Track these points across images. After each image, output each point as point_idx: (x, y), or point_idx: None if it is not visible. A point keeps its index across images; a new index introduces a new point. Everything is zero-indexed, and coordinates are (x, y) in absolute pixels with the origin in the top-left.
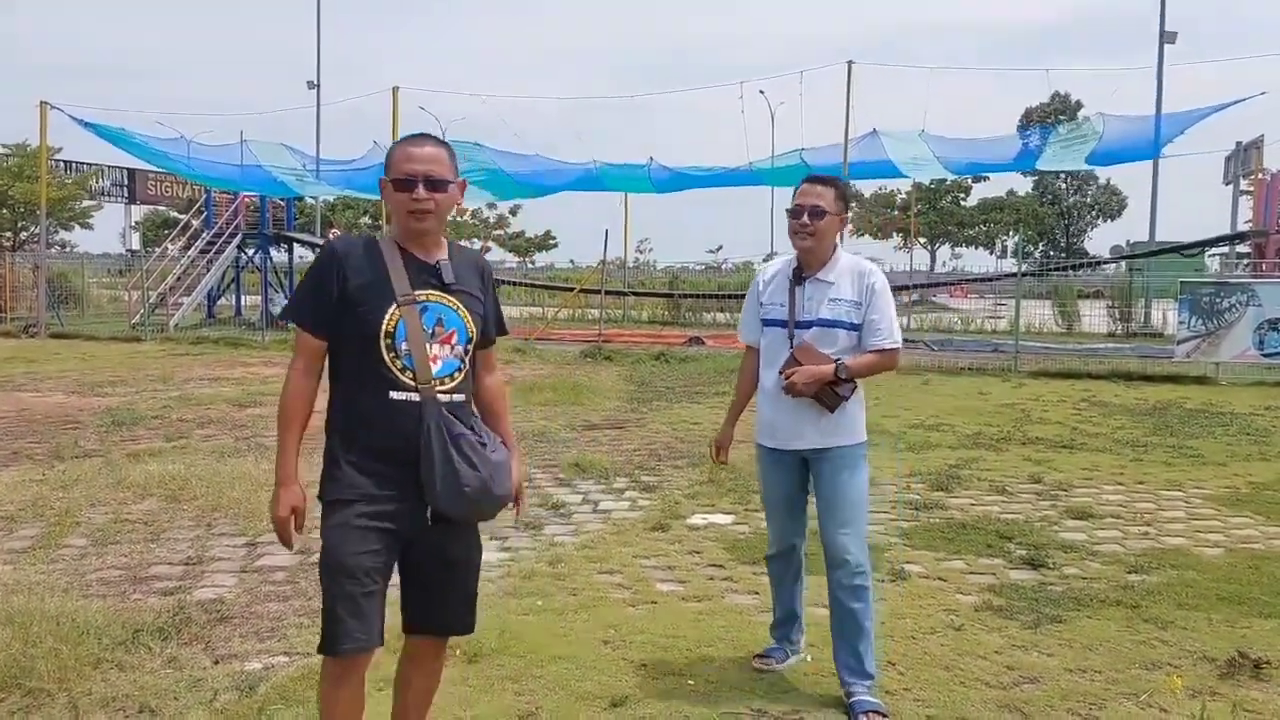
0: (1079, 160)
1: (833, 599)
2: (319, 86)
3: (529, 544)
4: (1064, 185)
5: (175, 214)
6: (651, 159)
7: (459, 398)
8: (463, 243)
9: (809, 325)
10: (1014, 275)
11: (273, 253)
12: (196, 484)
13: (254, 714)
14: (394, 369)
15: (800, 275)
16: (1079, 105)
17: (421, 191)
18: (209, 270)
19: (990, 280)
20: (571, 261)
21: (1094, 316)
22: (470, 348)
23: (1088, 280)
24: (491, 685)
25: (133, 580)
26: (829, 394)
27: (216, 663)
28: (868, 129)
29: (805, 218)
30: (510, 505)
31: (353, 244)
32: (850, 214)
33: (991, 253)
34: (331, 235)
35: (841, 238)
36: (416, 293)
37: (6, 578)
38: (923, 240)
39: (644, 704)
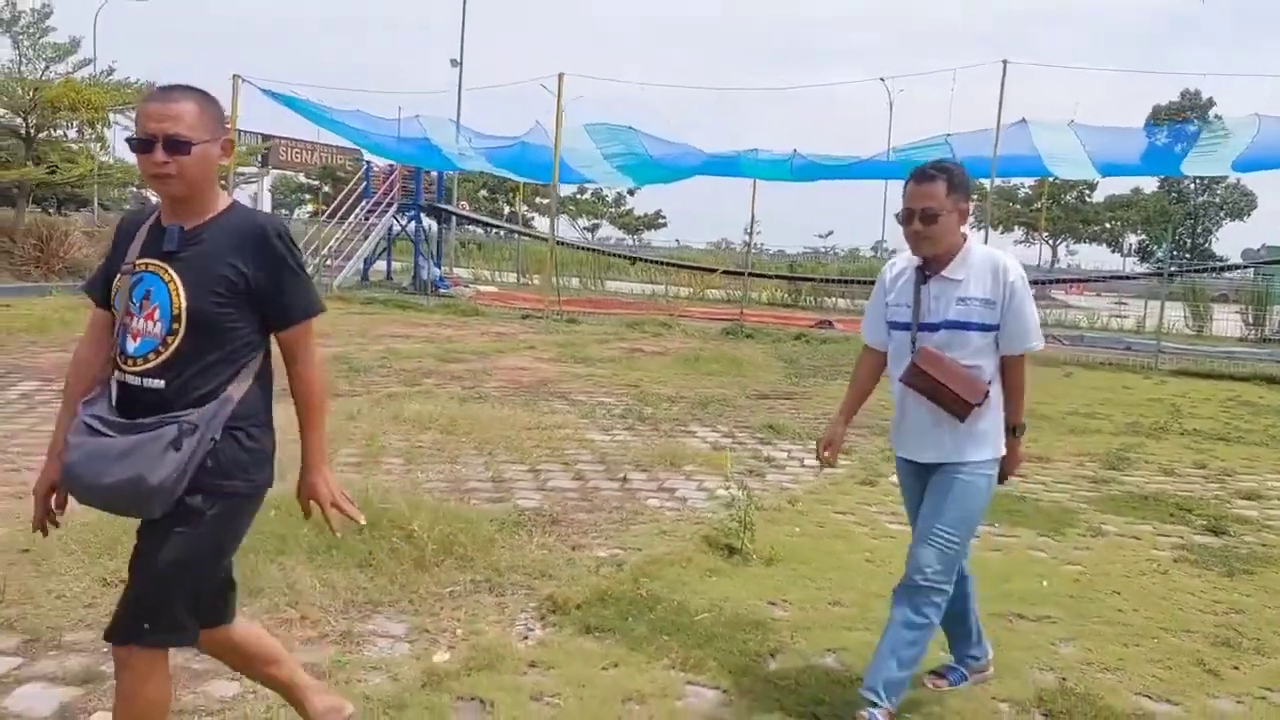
0: (1225, 165)
1: (892, 607)
2: (461, 65)
3: (760, 486)
4: (1192, 184)
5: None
6: (795, 150)
7: (155, 383)
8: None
9: (935, 328)
10: (1159, 275)
11: (426, 222)
12: (461, 422)
13: (631, 582)
14: (114, 344)
15: (924, 274)
16: (1210, 103)
17: (159, 154)
18: (367, 236)
19: (1131, 279)
20: (677, 240)
21: (1225, 320)
22: (180, 327)
23: (1211, 284)
24: (794, 581)
25: (458, 491)
26: (955, 400)
27: (574, 549)
28: (1016, 118)
29: (916, 223)
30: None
31: (134, 214)
32: (971, 203)
33: (1115, 251)
34: (461, 206)
35: (985, 227)
36: (138, 261)
37: (369, 484)
38: (1045, 235)
39: None
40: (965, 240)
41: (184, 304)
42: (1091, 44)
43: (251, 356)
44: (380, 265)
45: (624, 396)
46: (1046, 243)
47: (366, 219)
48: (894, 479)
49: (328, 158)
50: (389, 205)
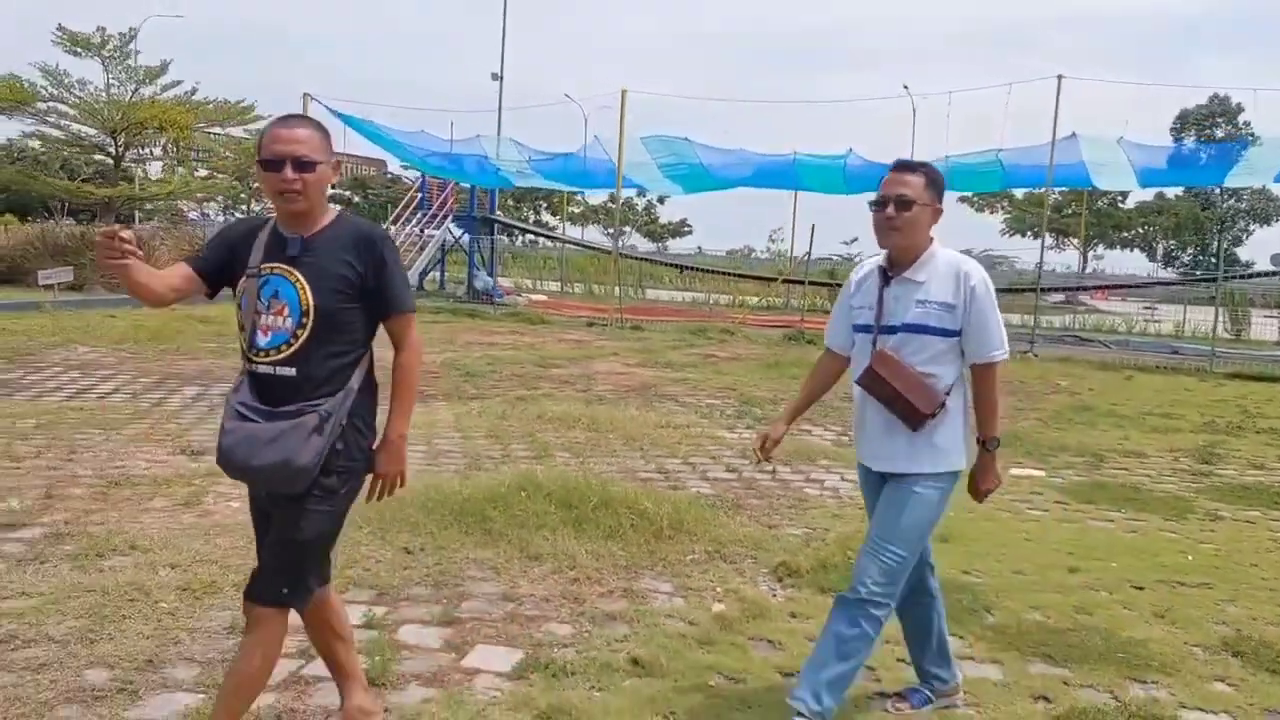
0: (1268, 177)
1: (830, 616)
2: (502, 79)
3: None
4: (1219, 190)
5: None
6: (850, 149)
7: (287, 371)
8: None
9: (894, 330)
10: (1212, 280)
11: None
12: (602, 421)
13: (840, 553)
14: (242, 339)
15: (887, 275)
16: (1239, 108)
17: (289, 173)
18: (424, 248)
19: (1182, 284)
20: (699, 248)
21: (1262, 324)
22: (309, 321)
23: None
24: (974, 556)
25: (636, 480)
26: (909, 409)
27: (770, 528)
28: (1067, 132)
29: (890, 209)
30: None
31: (244, 223)
32: (942, 209)
33: (1151, 259)
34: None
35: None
36: (263, 265)
37: (585, 470)
38: (1075, 241)
39: (1091, 571)
40: (932, 243)
41: (311, 301)
42: (1105, 47)
43: (363, 352)
44: (433, 275)
45: (727, 399)
46: (1076, 248)
47: (422, 232)
48: (1012, 472)
49: (353, 168)
50: (444, 217)
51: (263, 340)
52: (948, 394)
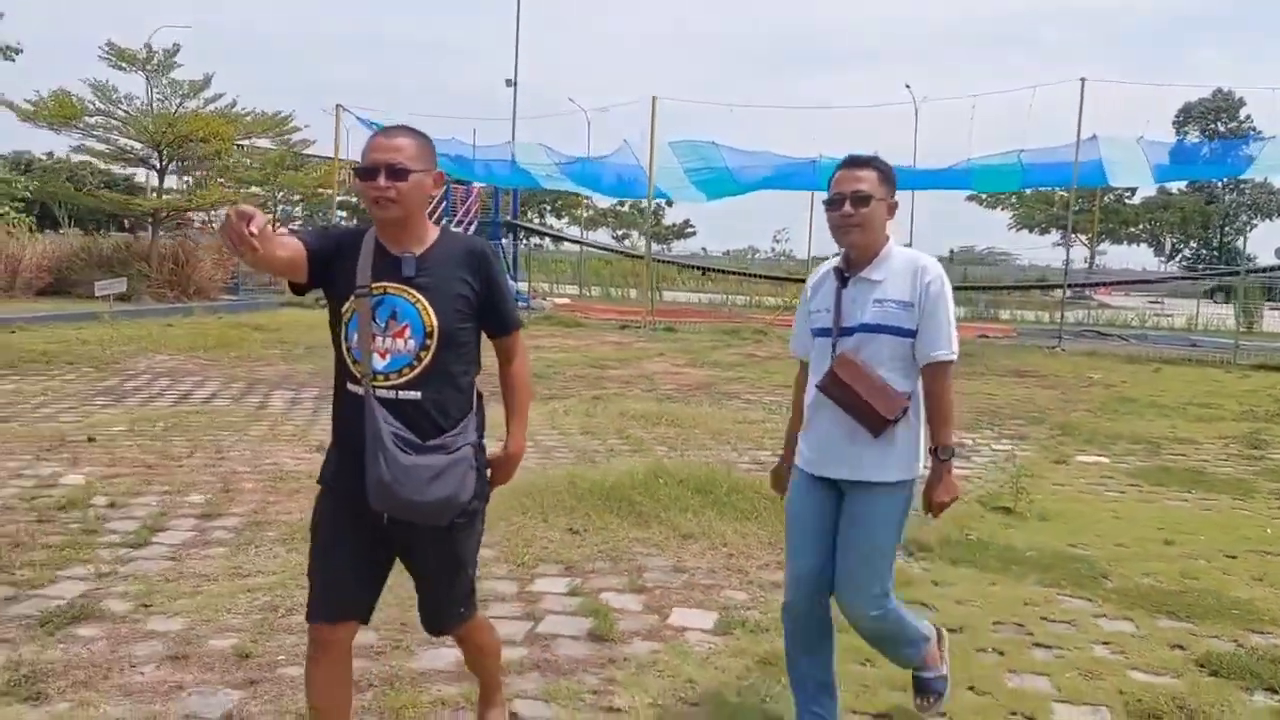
0: None
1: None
2: (516, 85)
3: (983, 461)
4: (1221, 184)
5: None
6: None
7: (412, 394)
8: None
9: (851, 332)
10: (1235, 273)
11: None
12: (682, 418)
13: (957, 530)
14: (348, 361)
15: (844, 275)
16: (1241, 102)
17: (382, 180)
18: None
19: (1207, 278)
20: (703, 249)
21: (1270, 317)
22: (432, 343)
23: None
24: (1074, 531)
25: (739, 471)
26: (871, 414)
27: None
28: (1088, 134)
29: (847, 206)
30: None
31: (347, 230)
32: (896, 203)
33: (1158, 254)
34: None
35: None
36: (374, 285)
37: (711, 459)
38: (1083, 238)
39: (1184, 543)
40: (888, 241)
41: (434, 322)
42: (1098, 41)
43: (476, 370)
44: None
45: (788, 396)
46: (1083, 244)
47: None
48: (1080, 459)
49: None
50: (471, 223)
51: (381, 363)
52: (908, 398)
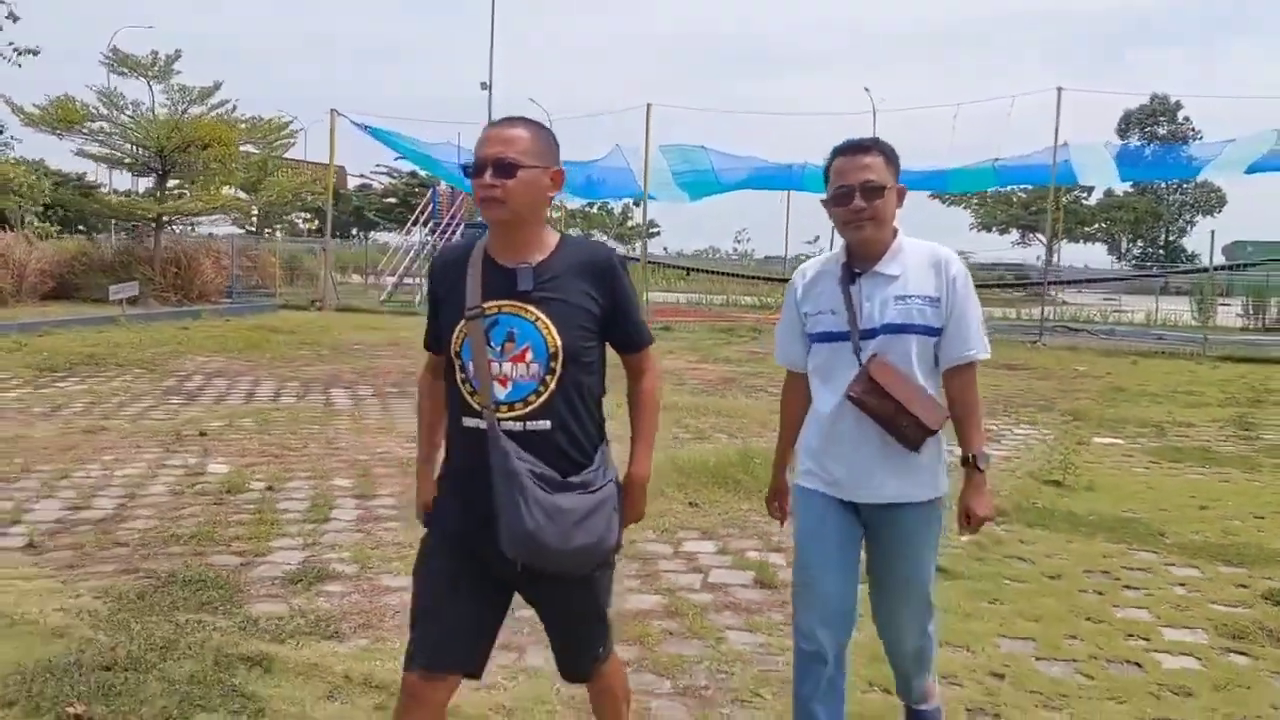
0: (1239, 170)
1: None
2: (490, 88)
3: (1013, 444)
4: (1164, 184)
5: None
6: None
7: (540, 424)
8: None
9: (871, 334)
10: (1204, 270)
11: None
12: (726, 409)
13: (1023, 498)
14: (464, 392)
15: (853, 271)
16: (1178, 105)
17: (489, 177)
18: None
19: (1182, 275)
20: (665, 249)
21: (1225, 312)
22: (558, 365)
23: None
24: (1121, 499)
25: None
26: (915, 426)
27: None
28: (1048, 136)
29: (858, 200)
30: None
31: (451, 250)
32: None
33: (1112, 252)
34: None
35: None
36: (487, 304)
37: (763, 446)
38: (1040, 237)
39: (1215, 508)
40: (896, 234)
41: (558, 341)
42: (1045, 45)
43: (603, 392)
44: None
45: None
46: (1042, 243)
47: (434, 239)
48: (1097, 440)
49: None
50: (456, 226)
51: (503, 393)
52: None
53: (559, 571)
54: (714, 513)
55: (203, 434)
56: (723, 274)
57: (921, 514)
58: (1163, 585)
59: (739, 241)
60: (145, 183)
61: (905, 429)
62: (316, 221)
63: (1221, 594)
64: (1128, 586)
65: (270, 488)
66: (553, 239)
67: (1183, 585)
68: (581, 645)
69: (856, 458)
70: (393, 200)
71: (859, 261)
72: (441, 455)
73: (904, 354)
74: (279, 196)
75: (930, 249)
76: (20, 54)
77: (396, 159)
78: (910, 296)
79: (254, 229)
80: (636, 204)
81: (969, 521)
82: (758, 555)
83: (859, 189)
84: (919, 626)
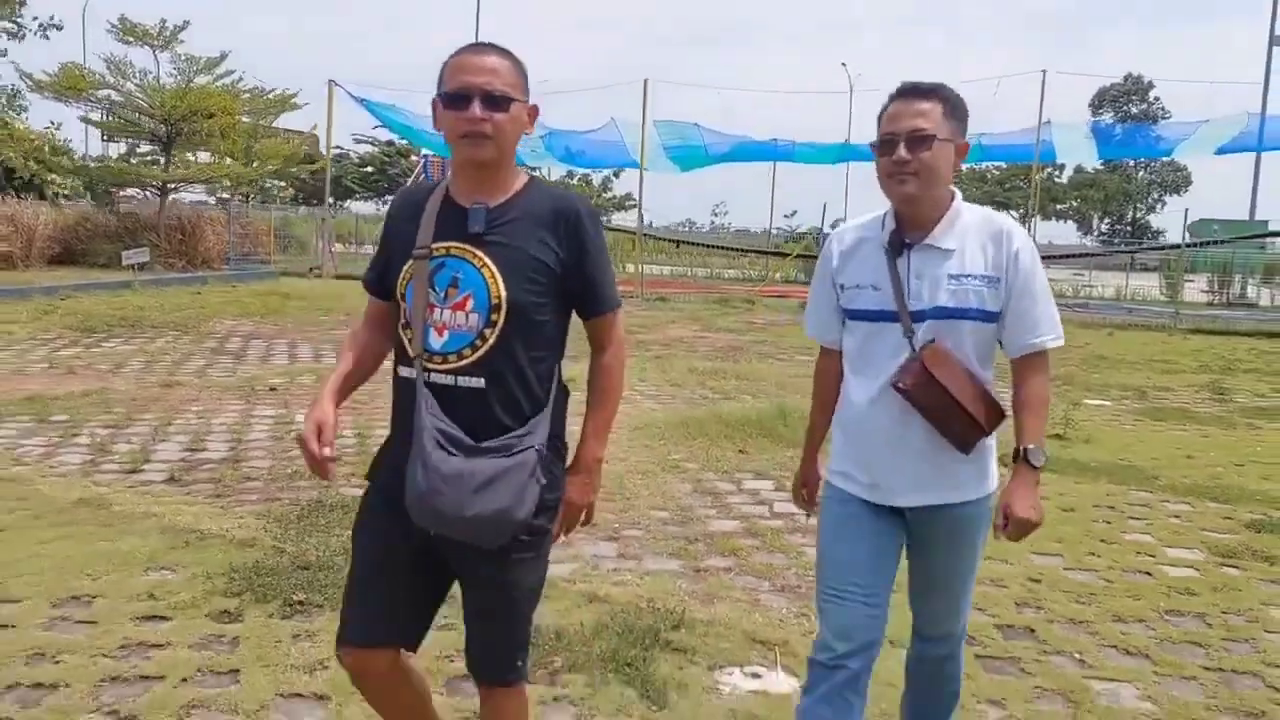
0: (1209, 149)
1: (914, 671)
2: None
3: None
4: (1133, 162)
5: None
6: (847, 140)
7: (473, 381)
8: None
9: (921, 317)
10: (1176, 247)
11: None
12: (745, 372)
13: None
14: (404, 338)
15: (902, 240)
16: (1150, 85)
17: (477, 109)
18: None
19: (1158, 251)
20: (650, 222)
21: (1190, 288)
22: (499, 319)
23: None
24: (1122, 450)
25: None
26: (970, 426)
27: None
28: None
29: (901, 150)
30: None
31: (409, 192)
32: (967, 144)
33: (1081, 229)
34: None
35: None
36: (436, 245)
37: (796, 402)
38: (1015, 214)
39: (1200, 458)
40: (955, 197)
41: (503, 292)
42: (1009, 22)
43: (558, 356)
44: None
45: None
46: (1016, 220)
47: None
48: (1088, 401)
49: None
50: None
51: (437, 341)
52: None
53: (462, 539)
54: (762, 458)
55: (272, 389)
56: (726, 248)
57: (969, 512)
58: (1160, 517)
59: (716, 215)
60: (140, 152)
61: (958, 430)
62: (291, 190)
63: (1211, 524)
64: (1131, 518)
65: (360, 435)
66: (518, 181)
67: (1177, 517)
68: (494, 641)
69: (897, 458)
70: (369, 169)
71: (909, 230)
72: (331, 412)
73: (958, 342)
74: (284, 166)
75: (989, 217)
76: (45, 28)
77: (375, 127)
78: (967, 276)
79: (228, 197)
80: (617, 175)
81: (1007, 523)
82: None
83: (904, 137)
84: (952, 639)
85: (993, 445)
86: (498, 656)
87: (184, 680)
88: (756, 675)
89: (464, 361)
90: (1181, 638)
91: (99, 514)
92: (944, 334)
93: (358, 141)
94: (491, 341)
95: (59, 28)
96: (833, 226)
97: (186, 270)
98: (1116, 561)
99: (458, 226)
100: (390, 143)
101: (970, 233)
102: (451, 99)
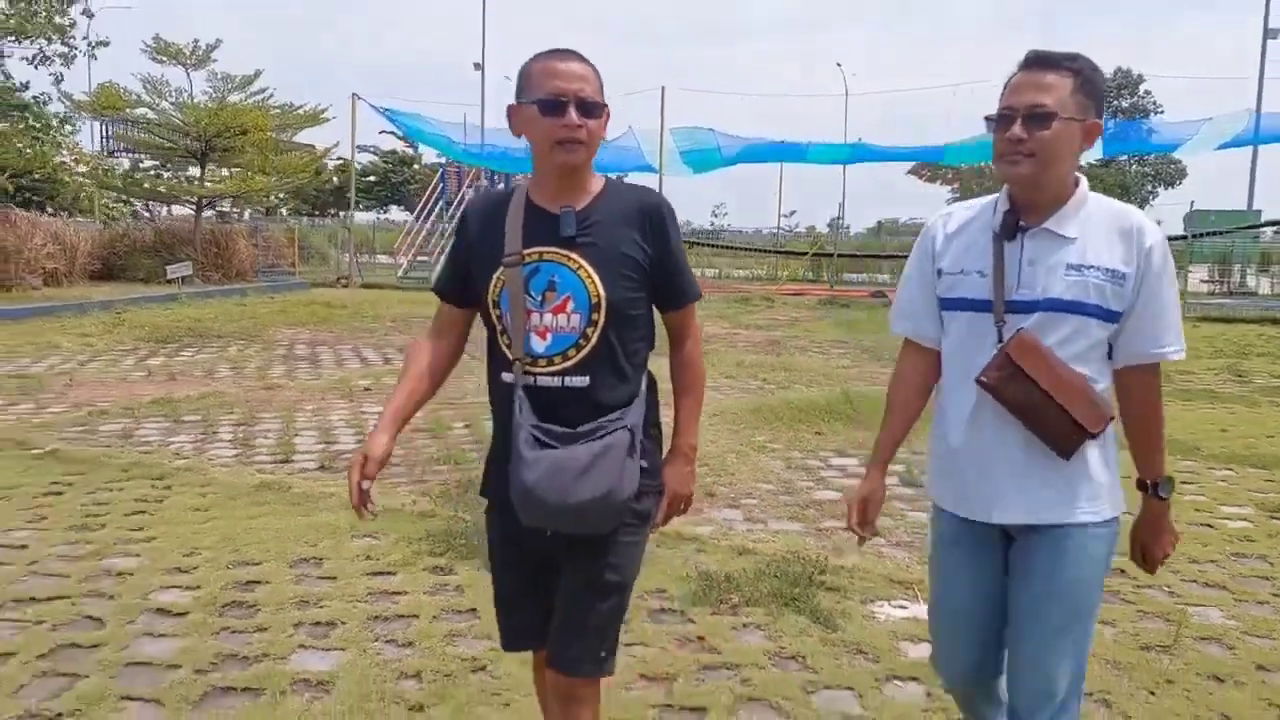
0: (1210, 146)
1: None
2: (483, 68)
3: None
4: (1127, 156)
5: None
6: (860, 138)
7: (579, 380)
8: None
9: (1030, 308)
10: (1184, 238)
11: None
12: (791, 365)
13: None
14: (501, 344)
15: (1016, 223)
16: (1140, 79)
17: (573, 115)
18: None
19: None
20: None
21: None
22: (600, 317)
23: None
24: None
25: None
26: (1068, 426)
27: None
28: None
29: (1017, 128)
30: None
31: (485, 199)
32: (1102, 119)
33: None
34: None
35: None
36: (528, 250)
37: (865, 389)
38: None
39: (1233, 432)
40: (1080, 183)
41: (601, 291)
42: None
43: (650, 346)
44: None
45: (847, 347)
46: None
47: (444, 218)
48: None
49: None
50: (464, 201)
51: (540, 345)
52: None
53: (574, 529)
54: (837, 439)
55: (368, 389)
56: (751, 249)
57: (1086, 538)
58: (1209, 481)
59: (715, 216)
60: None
61: (1052, 427)
62: (295, 202)
63: (1256, 486)
64: (1184, 482)
65: (468, 426)
66: (598, 183)
67: (1224, 481)
68: (583, 626)
69: (992, 466)
70: (373, 179)
71: (1026, 214)
72: (394, 422)
73: (1070, 339)
74: (309, 181)
75: (1119, 209)
76: (94, 47)
77: (381, 133)
78: (1088, 267)
79: (236, 210)
80: (626, 176)
81: (1146, 562)
82: (899, 467)
83: (1023, 113)
84: (1051, 693)
85: (1113, 458)
86: (585, 643)
87: (434, 618)
88: (903, 606)
89: (569, 362)
90: (1250, 573)
91: (285, 495)
92: (1055, 327)
93: (359, 151)
94: (594, 340)
95: (105, 44)
96: (830, 225)
97: (223, 283)
98: (1180, 516)
99: (548, 231)
100: (393, 151)
101: (1096, 222)
102: (548, 105)
